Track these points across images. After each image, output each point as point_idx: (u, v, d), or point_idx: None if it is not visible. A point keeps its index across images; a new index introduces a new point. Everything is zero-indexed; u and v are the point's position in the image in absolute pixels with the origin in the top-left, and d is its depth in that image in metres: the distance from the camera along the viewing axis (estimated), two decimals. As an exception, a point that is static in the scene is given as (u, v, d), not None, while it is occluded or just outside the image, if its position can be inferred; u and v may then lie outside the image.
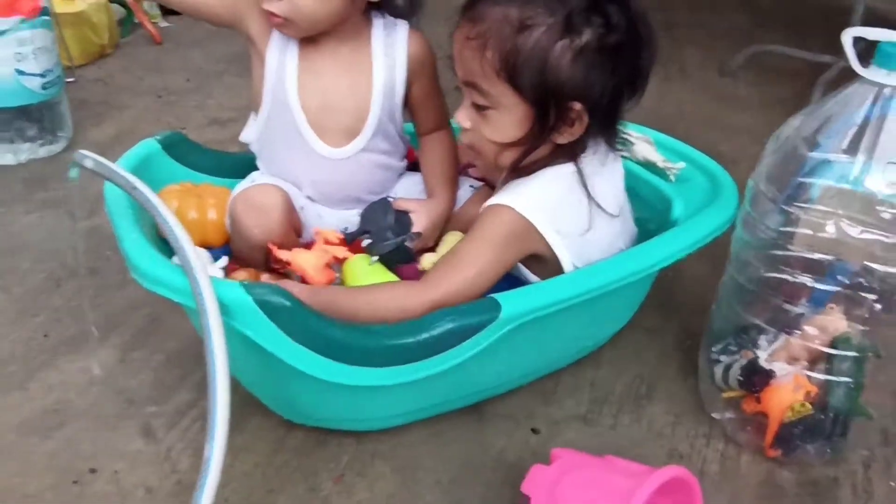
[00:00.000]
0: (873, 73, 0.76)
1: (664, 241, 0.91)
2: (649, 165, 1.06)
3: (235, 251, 0.93)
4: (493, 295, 0.78)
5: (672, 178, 1.04)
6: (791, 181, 0.81)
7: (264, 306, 0.69)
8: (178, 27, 2.18)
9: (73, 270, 1.16)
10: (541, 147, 0.85)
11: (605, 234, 0.91)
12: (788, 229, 0.82)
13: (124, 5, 2.09)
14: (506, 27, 0.79)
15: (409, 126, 1.05)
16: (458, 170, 1.05)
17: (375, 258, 0.92)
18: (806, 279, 0.82)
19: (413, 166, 1.08)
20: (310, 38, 0.94)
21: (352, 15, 0.93)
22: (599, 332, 0.99)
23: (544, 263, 0.88)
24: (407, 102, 1.00)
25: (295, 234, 0.96)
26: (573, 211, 0.87)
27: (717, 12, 2.58)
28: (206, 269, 0.68)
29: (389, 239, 0.94)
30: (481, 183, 1.04)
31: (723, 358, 0.91)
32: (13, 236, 1.24)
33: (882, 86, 0.76)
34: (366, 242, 0.95)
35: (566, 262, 0.87)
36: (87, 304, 1.06)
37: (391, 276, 0.92)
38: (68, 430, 0.89)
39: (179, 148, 1.00)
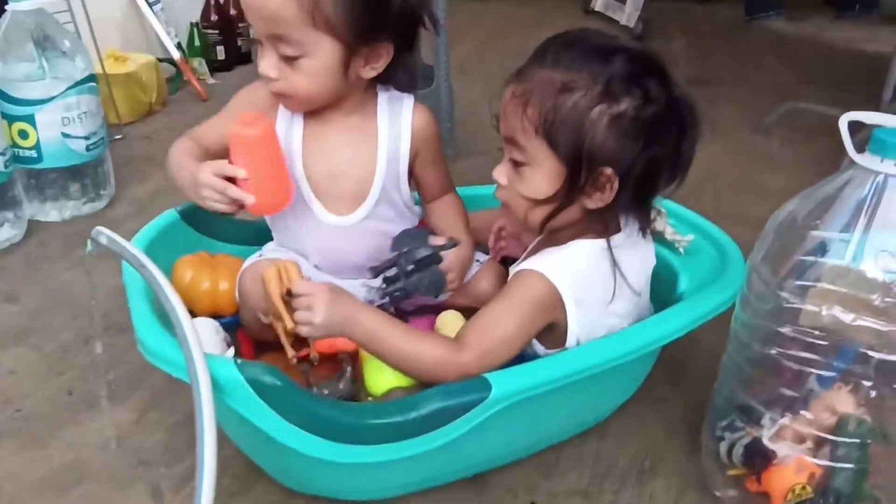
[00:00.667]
0: (868, 161, 0.76)
1: (664, 319, 0.91)
2: (658, 237, 1.06)
3: (244, 322, 0.96)
4: (484, 375, 0.79)
5: (681, 250, 1.04)
6: (788, 263, 0.81)
7: (255, 385, 0.71)
8: (224, 84, 2.28)
9: (103, 328, 1.21)
10: (571, 209, 0.88)
11: (621, 309, 0.92)
12: (788, 307, 0.81)
13: (174, 64, 2.19)
14: (549, 87, 0.84)
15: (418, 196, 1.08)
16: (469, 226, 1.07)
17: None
18: (809, 359, 0.81)
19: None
20: (315, 111, 0.98)
21: (352, 90, 0.96)
22: (600, 407, 0.99)
23: (552, 332, 0.90)
24: (412, 172, 1.03)
25: None
26: (599, 284, 0.90)
27: (759, 68, 2.57)
28: (202, 349, 0.71)
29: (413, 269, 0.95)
30: (486, 257, 1.06)
31: (727, 435, 0.90)
32: (51, 293, 1.31)
33: (876, 173, 0.75)
34: (391, 272, 0.96)
35: (572, 335, 0.89)
36: (102, 367, 1.10)
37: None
38: (83, 489, 0.92)
39: (198, 218, 1.05)
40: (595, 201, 0.87)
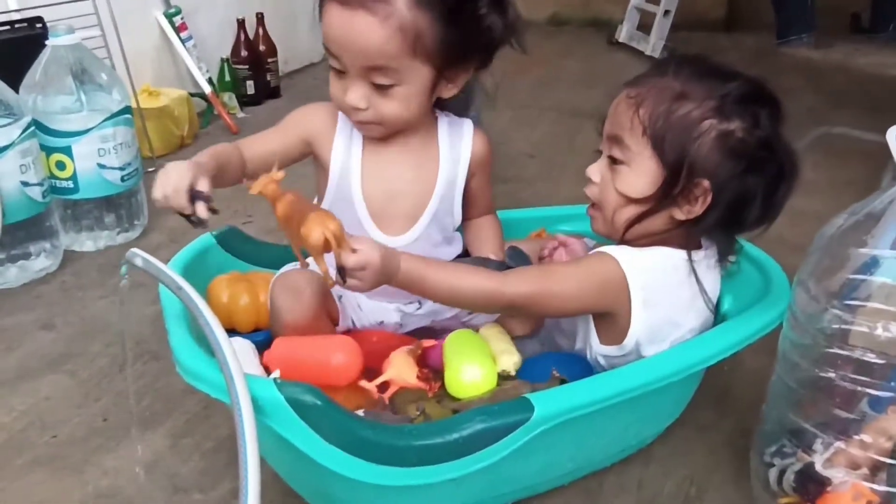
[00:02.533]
0: (918, 173, 0.74)
1: (710, 339, 0.89)
2: (697, 258, 1.04)
3: (273, 333, 0.95)
4: (526, 395, 0.78)
5: (723, 272, 1.02)
6: (837, 279, 0.79)
7: (295, 405, 0.70)
8: (254, 118, 2.31)
9: (137, 355, 1.21)
10: (658, 216, 0.89)
11: (693, 323, 0.93)
12: (838, 327, 0.79)
13: (205, 98, 2.22)
14: (665, 93, 0.87)
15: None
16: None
17: None
18: (862, 381, 0.79)
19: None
20: None
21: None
22: (644, 431, 0.96)
23: (612, 325, 0.90)
24: (464, 194, 1.03)
25: (330, 321, 0.98)
26: (671, 292, 0.91)
27: (789, 94, 2.53)
28: (242, 369, 0.70)
29: None
30: None
31: (776, 461, 0.87)
32: (86, 321, 1.31)
33: (927, 184, 0.74)
34: None
35: (632, 335, 0.89)
36: (133, 395, 1.09)
37: (486, 348, 0.93)
38: (118, 517, 0.92)
39: (233, 241, 1.06)
40: (684, 212, 0.88)
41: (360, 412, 0.85)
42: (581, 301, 0.89)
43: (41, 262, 1.43)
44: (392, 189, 0.98)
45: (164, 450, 1.02)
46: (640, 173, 0.88)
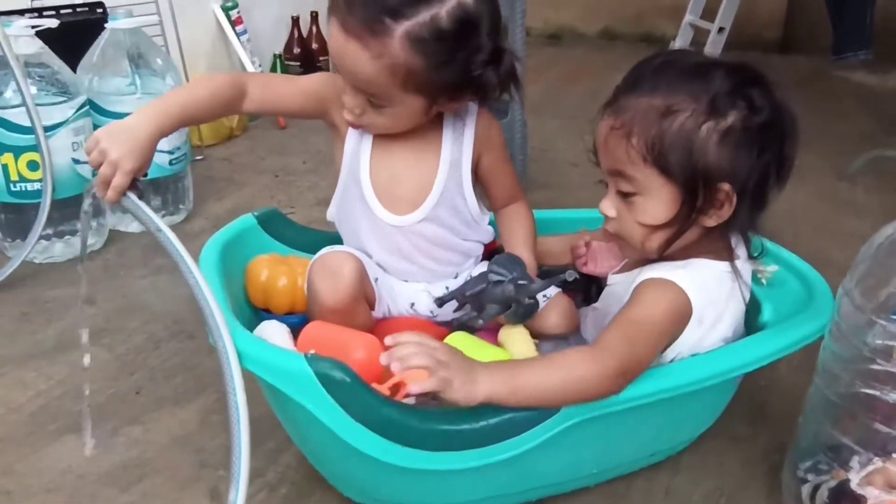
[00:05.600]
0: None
1: (747, 346, 0.87)
2: (740, 267, 1.02)
3: (310, 316, 0.96)
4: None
5: (764, 281, 1.00)
6: (884, 292, 0.77)
7: (324, 380, 0.70)
8: (302, 114, 2.33)
9: (173, 334, 1.23)
10: (690, 231, 0.86)
11: (728, 332, 0.90)
12: (882, 343, 0.77)
13: (256, 92, 2.26)
14: (651, 114, 0.82)
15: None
16: (535, 239, 1.06)
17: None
18: (906, 398, 0.76)
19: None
20: None
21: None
22: (676, 437, 0.94)
23: None
24: (478, 178, 1.03)
25: (367, 304, 0.98)
26: (716, 305, 0.88)
27: (841, 117, 2.50)
28: (224, 315, 0.75)
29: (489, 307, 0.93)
30: (557, 290, 1.03)
31: (811, 477, 0.85)
32: (127, 298, 1.34)
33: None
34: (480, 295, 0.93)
35: (675, 349, 0.87)
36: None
37: (489, 350, 0.91)
38: (145, 486, 0.93)
39: (274, 223, 1.06)
40: (713, 219, 0.86)
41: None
42: (663, 343, 0.85)
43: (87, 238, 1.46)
44: (395, 172, 0.99)
45: (194, 426, 1.03)
46: (657, 201, 0.85)
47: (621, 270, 1.00)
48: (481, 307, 0.92)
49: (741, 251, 0.92)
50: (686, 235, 0.87)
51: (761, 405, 1.08)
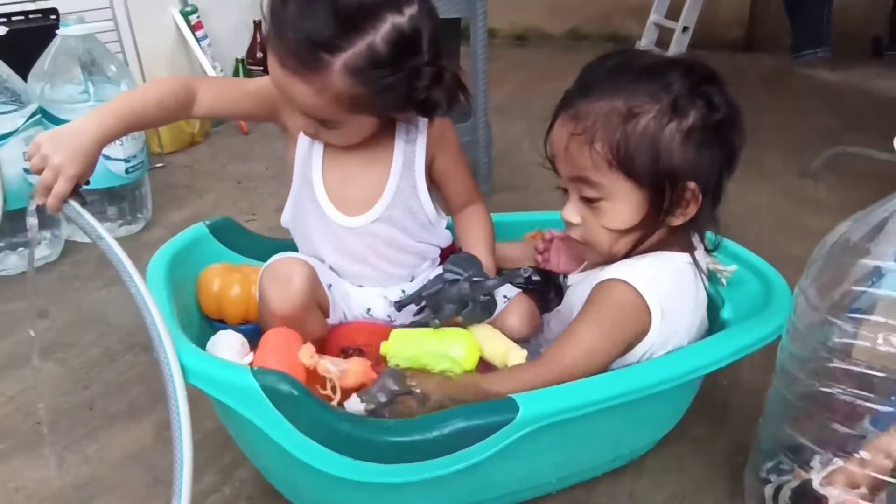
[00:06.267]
0: (925, 180, 0.72)
1: (706, 347, 0.86)
2: (699, 268, 1.02)
3: (262, 324, 0.94)
4: (511, 395, 0.75)
5: (724, 281, 1.00)
6: (839, 290, 0.76)
7: (271, 394, 0.68)
8: (266, 119, 2.31)
9: (128, 346, 1.20)
10: (657, 231, 0.87)
11: (690, 326, 0.90)
12: (839, 341, 0.77)
13: (218, 98, 2.23)
14: (613, 118, 0.82)
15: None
16: (493, 242, 1.05)
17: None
18: (863, 396, 0.76)
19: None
20: None
21: None
22: (637, 441, 0.93)
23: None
24: (433, 179, 1.02)
25: (321, 311, 0.96)
26: (678, 297, 0.88)
27: (805, 115, 2.53)
28: (167, 327, 0.74)
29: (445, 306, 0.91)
30: (516, 291, 1.02)
31: (773, 477, 0.85)
32: (82, 310, 1.31)
33: (935, 192, 0.71)
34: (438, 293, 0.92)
35: (644, 345, 0.86)
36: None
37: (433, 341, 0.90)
38: (96, 505, 0.90)
39: (227, 232, 1.04)
40: (679, 218, 0.86)
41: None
42: (613, 342, 0.84)
43: (41, 251, 1.43)
44: (349, 174, 0.98)
45: (148, 441, 1.00)
46: (624, 204, 0.85)
47: (585, 269, 0.99)
48: (438, 307, 0.91)
49: (698, 245, 0.92)
50: (653, 237, 0.87)
51: (723, 404, 1.08)
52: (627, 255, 0.88)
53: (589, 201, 0.86)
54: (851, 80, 2.95)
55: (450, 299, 0.90)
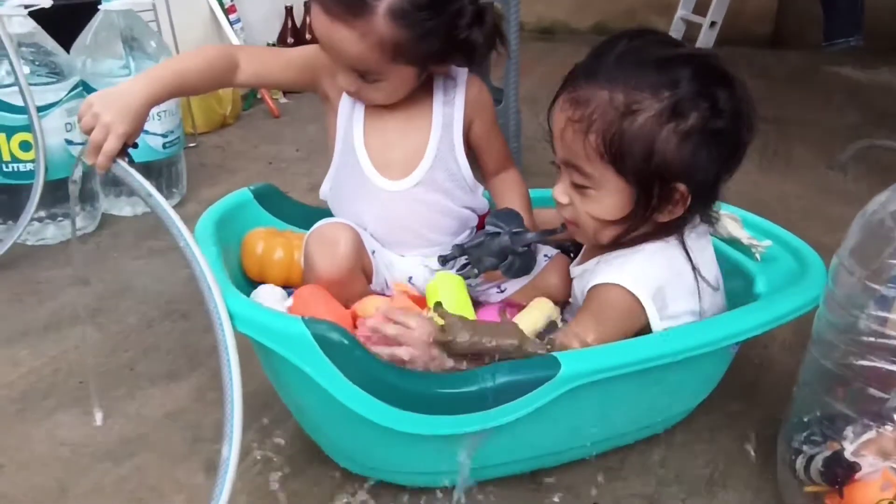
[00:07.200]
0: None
1: (742, 315, 0.87)
2: (734, 242, 1.03)
3: None
4: (554, 353, 0.77)
5: (757, 256, 1.01)
6: (878, 259, 0.77)
7: (322, 342, 0.70)
8: (295, 104, 2.33)
9: (166, 313, 1.22)
10: (642, 225, 0.86)
11: (704, 305, 0.90)
12: (877, 313, 0.77)
13: (249, 82, 2.25)
14: (610, 111, 0.81)
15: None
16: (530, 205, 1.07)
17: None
18: (898, 369, 0.77)
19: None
20: None
21: None
22: (671, 408, 0.94)
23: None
24: (469, 145, 1.04)
25: (364, 276, 0.98)
26: (680, 286, 0.88)
27: (832, 111, 2.52)
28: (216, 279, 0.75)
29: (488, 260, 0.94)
30: (556, 251, 1.03)
31: (805, 448, 0.85)
32: (119, 279, 1.33)
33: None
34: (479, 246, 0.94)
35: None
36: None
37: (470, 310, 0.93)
38: (139, 460, 0.92)
39: (270, 198, 1.07)
40: (667, 215, 0.85)
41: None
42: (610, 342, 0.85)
43: (79, 222, 1.45)
44: (389, 138, 1.00)
45: (188, 402, 1.02)
46: (610, 196, 0.84)
47: (582, 260, 0.98)
48: (478, 260, 0.92)
49: (698, 225, 0.91)
50: (639, 230, 0.87)
51: (754, 382, 1.09)
52: (613, 242, 0.88)
53: (578, 187, 0.86)
54: (881, 79, 2.93)
55: (490, 252, 0.91)
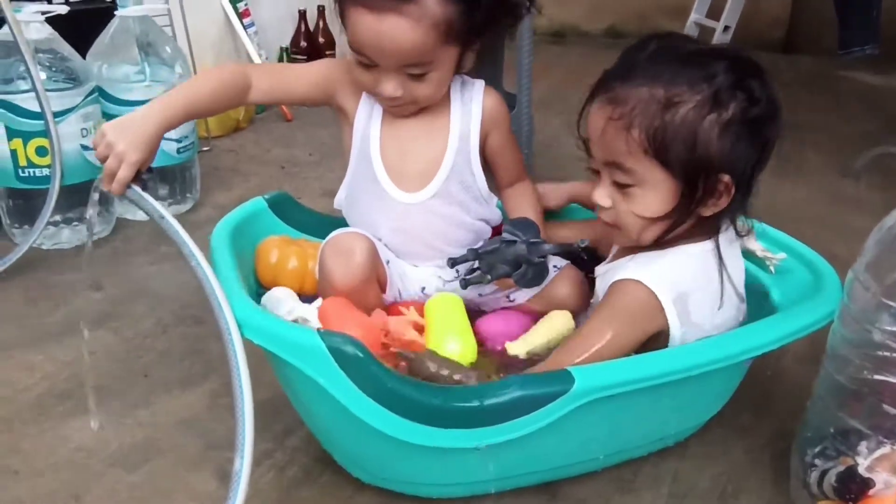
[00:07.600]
0: None
1: (756, 330, 0.87)
2: (748, 254, 1.02)
3: (323, 297, 0.96)
4: (567, 368, 0.77)
5: (772, 268, 1.00)
6: (894, 275, 0.77)
7: (336, 354, 0.70)
8: (309, 109, 2.33)
9: (180, 318, 1.23)
10: (687, 221, 0.87)
11: (727, 314, 0.90)
12: (893, 329, 0.77)
13: (262, 85, 2.26)
14: (652, 105, 0.82)
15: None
16: (542, 218, 1.07)
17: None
18: (914, 384, 0.76)
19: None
20: None
21: None
22: (684, 422, 0.94)
23: (657, 341, 0.87)
24: (485, 157, 1.04)
25: (379, 286, 0.98)
26: (704, 288, 0.88)
27: (846, 117, 2.51)
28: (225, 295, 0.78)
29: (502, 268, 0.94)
30: (566, 262, 1.03)
31: (818, 462, 0.85)
32: (133, 284, 1.34)
33: None
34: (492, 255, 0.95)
35: (674, 342, 0.87)
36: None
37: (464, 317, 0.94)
38: (152, 466, 0.93)
39: (285, 207, 1.07)
40: (710, 208, 0.86)
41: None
42: (627, 340, 0.85)
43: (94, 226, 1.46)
44: (406, 148, 1.01)
45: (201, 409, 1.03)
46: (656, 193, 0.85)
47: (612, 259, 0.99)
48: (492, 266, 0.92)
49: (730, 232, 0.92)
50: (682, 227, 0.87)
51: (767, 395, 1.08)
52: (656, 242, 0.89)
53: (621, 186, 0.86)
54: (894, 83, 2.92)
55: (505, 259, 0.92)
